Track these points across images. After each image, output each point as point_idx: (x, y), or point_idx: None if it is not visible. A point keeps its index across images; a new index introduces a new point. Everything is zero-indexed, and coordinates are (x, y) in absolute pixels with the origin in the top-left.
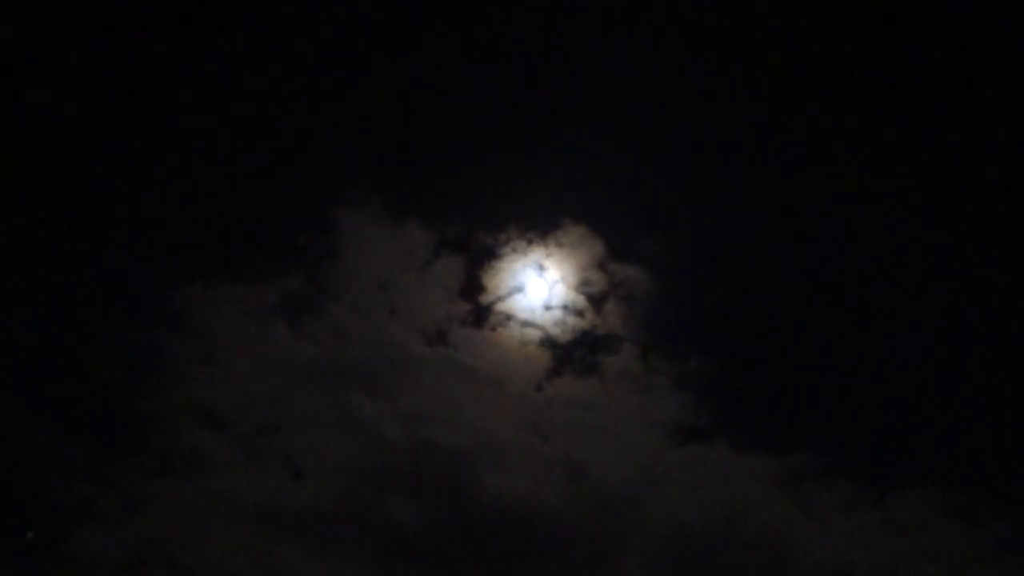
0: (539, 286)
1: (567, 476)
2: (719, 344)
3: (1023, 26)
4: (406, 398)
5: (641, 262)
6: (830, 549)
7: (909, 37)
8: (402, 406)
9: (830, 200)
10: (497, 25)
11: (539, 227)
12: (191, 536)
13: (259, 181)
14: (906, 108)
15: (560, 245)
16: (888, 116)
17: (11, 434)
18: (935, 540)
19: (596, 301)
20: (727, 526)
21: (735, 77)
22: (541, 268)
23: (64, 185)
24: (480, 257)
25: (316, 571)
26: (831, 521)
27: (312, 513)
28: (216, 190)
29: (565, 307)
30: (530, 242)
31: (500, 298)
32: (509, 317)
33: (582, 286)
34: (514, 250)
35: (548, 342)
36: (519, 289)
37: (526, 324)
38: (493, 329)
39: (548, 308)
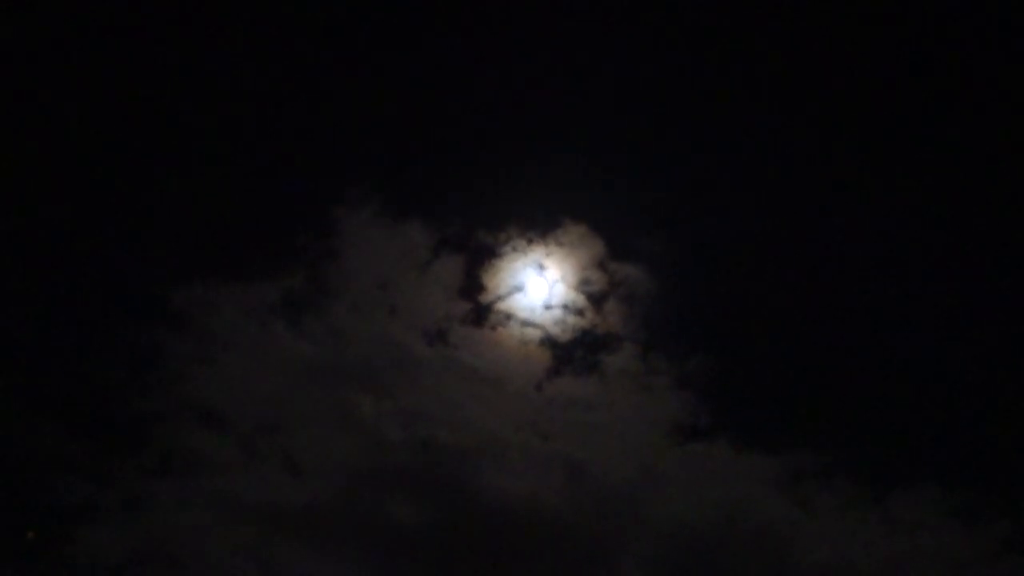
0: (539, 285)
1: (567, 475)
2: (719, 343)
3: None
4: (406, 397)
5: (641, 261)
6: (830, 548)
7: (909, 37)
8: (402, 405)
9: (830, 199)
10: (497, 25)
11: (539, 226)
12: (192, 535)
13: (259, 181)
14: (906, 108)
15: (560, 244)
16: (888, 116)
17: (11, 434)
18: (935, 539)
19: (596, 300)
20: (727, 525)
21: (735, 77)
22: (541, 267)
23: (64, 185)
24: (480, 256)
25: (316, 570)
26: (831, 520)
27: (312, 512)
28: (216, 190)
29: (565, 306)
30: (530, 241)
31: (500, 297)
32: (509, 316)
33: (582, 285)
34: (514, 249)
35: (548, 341)
36: (519, 288)
37: (526, 323)
38: (493, 328)
39: (548, 307)
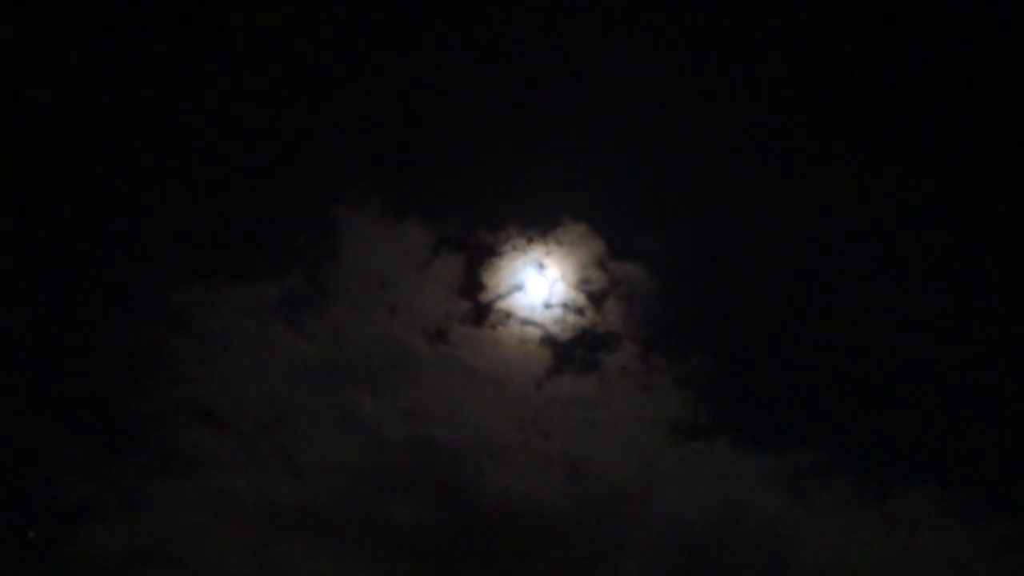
0: (539, 284)
1: (567, 474)
2: (719, 342)
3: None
4: (406, 396)
5: (641, 260)
6: (830, 547)
7: (909, 37)
8: (402, 404)
9: (830, 198)
10: (497, 25)
11: (539, 225)
12: (192, 535)
13: (259, 181)
14: (906, 108)
15: (560, 243)
16: (888, 116)
17: (11, 434)
18: (935, 538)
19: (596, 299)
20: (727, 524)
21: (734, 76)
22: (541, 266)
23: (64, 185)
24: (480, 255)
25: (316, 569)
26: (831, 519)
27: (312, 511)
28: (216, 190)
29: (565, 305)
30: (530, 240)
31: (500, 296)
32: (509, 315)
33: (582, 284)
34: (514, 248)
35: (548, 340)
36: (519, 287)
37: (526, 322)
38: (493, 327)
39: (548, 306)
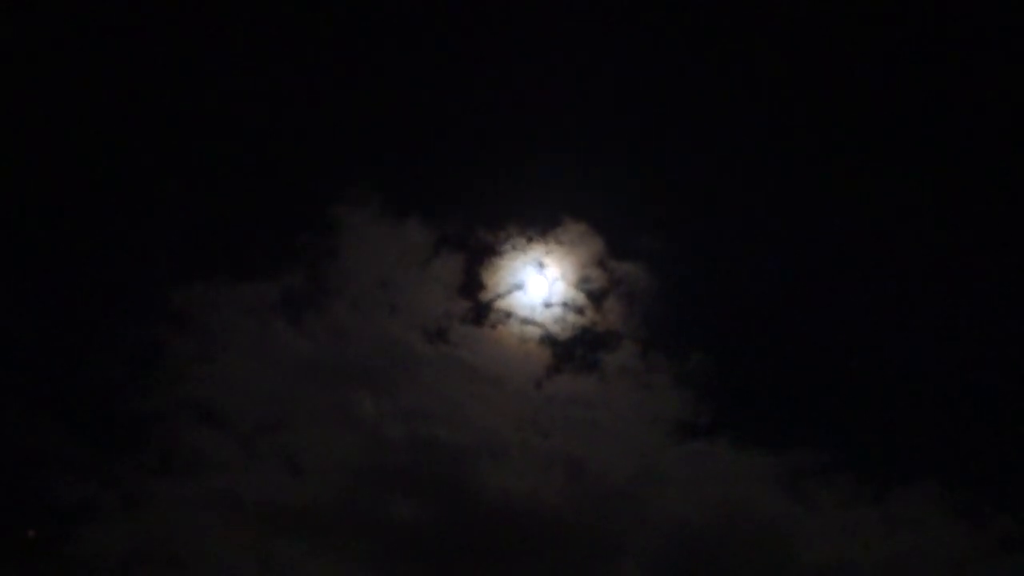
0: (539, 283)
1: (567, 473)
2: (719, 341)
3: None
4: (406, 396)
5: (641, 259)
6: (831, 546)
7: (909, 37)
8: (402, 404)
9: (830, 197)
10: (496, 25)
11: (539, 225)
12: (192, 534)
13: (259, 180)
14: (906, 108)
15: (560, 242)
16: (888, 116)
17: (11, 434)
18: (936, 537)
19: (596, 298)
20: (727, 523)
21: (734, 76)
22: (541, 265)
23: (64, 184)
24: (480, 255)
25: (317, 568)
26: (832, 518)
27: (312, 511)
28: (216, 189)
29: (565, 304)
30: (530, 240)
31: (500, 296)
32: (509, 315)
33: (582, 283)
34: (514, 248)
35: (548, 339)
36: (519, 287)
37: (526, 321)
38: (493, 327)
39: (548, 305)
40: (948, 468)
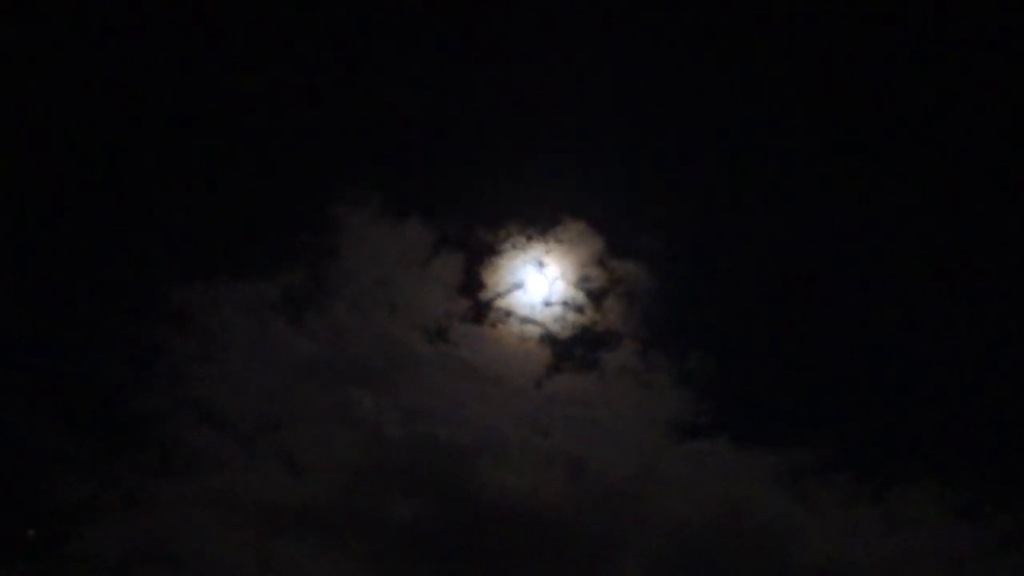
0: (539, 282)
1: (567, 473)
2: (719, 340)
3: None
4: (406, 395)
5: (641, 258)
6: (831, 545)
7: (909, 37)
8: (402, 403)
9: (829, 196)
10: (496, 23)
11: (539, 223)
12: (192, 534)
13: (259, 179)
14: (906, 107)
15: (560, 241)
16: (888, 116)
17: (11, 433)
18: (936, 536)
19: (596, 297)
20: (727, 522)
21: (734, 74)
22: (541, 264)
23: (64, 183)
24: (480, 254)
25: (317, 568)
26: (832, 517)
27: (313, 510)
28: (216, 188)
29: (565, 303)
30: (530, 238)
31: (500, 295)
32: (509, 314)
33: (582, 282)
34: (514, 246)
35: (548, 338)
36: (519, 285)
37: (526, 320)
38: (493, 326)
39: (548, 304)
40: (948, 467)
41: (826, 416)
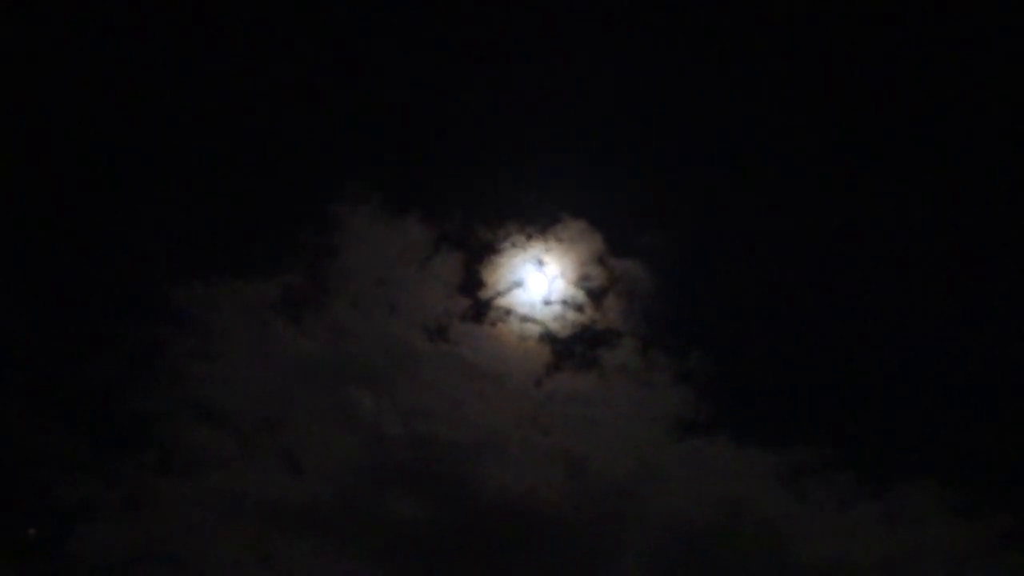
0: (538, 281)
1: (567, 471)
2: (719, 339)
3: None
4: (406, 394)
5: (640, 257)
6: (830, 543)
7: (909, 37)
8: (402, 402)
9: (829, 195)
10: (496, 23)
11: (538, 222)
12: (192, 533)
13: (259, 178)
14: (906, 107)
15: (559, 240)
16: (888, 116)
17: (11, 433)
18: (935, 534)
19: (596, 296)
20: (727, 520)
21: (733, 73)
22: (540, 263)
23: (64, 183)
24: (479, 252)
25: (317, 567)
26: (831, 515)
27: (313, 509)
28: (216, 187)
29: (564, 302)
30: (529, 237)
31: (500, 293)
32: (509, 312)
33: (581, 281)
34: (513, 245)
35: (548, 337)
36: (518, 284)
37: (526, 319)
38: (493, 324)
39: (548, 303)
40: (948, 466)
41: (826, 415)
